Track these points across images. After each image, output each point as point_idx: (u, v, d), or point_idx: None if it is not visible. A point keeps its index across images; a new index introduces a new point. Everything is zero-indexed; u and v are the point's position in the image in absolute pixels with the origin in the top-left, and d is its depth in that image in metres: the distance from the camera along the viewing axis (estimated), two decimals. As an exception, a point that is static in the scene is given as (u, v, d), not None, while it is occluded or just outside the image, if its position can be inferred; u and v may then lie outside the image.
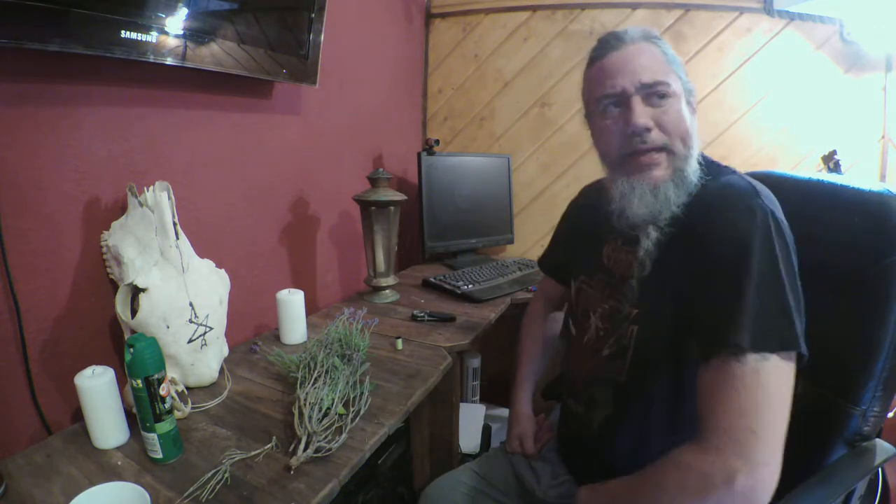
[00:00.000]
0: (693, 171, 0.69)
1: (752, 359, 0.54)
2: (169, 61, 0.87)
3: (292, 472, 0.66)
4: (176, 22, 0.86)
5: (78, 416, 0.76)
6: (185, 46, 0.90)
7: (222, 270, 0.99)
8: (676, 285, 0.66)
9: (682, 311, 0.65)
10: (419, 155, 1.69)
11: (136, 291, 0.82)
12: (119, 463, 0.69)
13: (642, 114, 0.68)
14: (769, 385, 0.54)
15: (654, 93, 0.68)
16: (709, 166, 0.72)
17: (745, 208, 0.61)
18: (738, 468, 0.52)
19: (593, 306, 0.82)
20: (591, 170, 0.96)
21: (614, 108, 0.71)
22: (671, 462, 0.59)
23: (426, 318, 1.25)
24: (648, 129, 0.68)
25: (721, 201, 0.64)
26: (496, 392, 2.08)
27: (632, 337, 0.73)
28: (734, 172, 0.70)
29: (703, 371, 0.59)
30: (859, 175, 1.60)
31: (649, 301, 0.72)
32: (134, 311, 0.81)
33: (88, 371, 0.72)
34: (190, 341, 0.87)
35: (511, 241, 2.00)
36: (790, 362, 0.56)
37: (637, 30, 0.72)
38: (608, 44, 0.72)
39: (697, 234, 0.64)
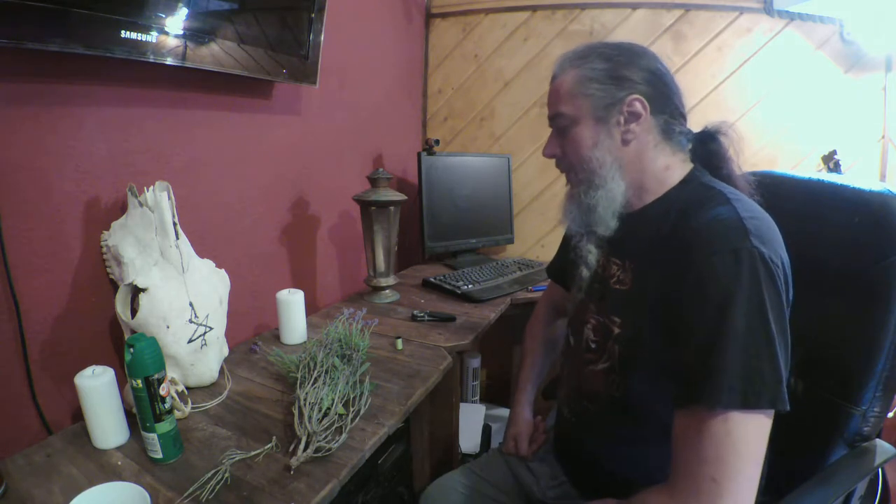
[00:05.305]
0: (602, 196, 0.72)
1: (722, 411, 0.53)
2: (169, 61, 0.87)
3: (292, 472, 0.66)
4: (176, 22, 0.86)
5: (78, 416, 0.76)
6: (185, 46, 0.90)
7: (222, 270, 0.99)
8: (658, 312, 0.65)
9: (665, 340, 0.63)
10: (419, 155, 1.69)
11: (136, 291, 0.82)
12: (119, 463, 0.69)
13: (549, 144, 0.78)
14: (735, 434, 0.52)
15: (555, 125, 0.76)
16: (700, 190, 0.68)
17: (729, 252, 0.56)
18: None
19: (587, 318, 0.80)
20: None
21: None
22: (637, 503, 0.60)
23: (426, 318, 1.25)
24: (554, 158, 0.78)
25: (703, 240, 0.59)
26: (496, 392, 2.08)
27: (618, 355, 0.72)
28: (729, 202, 0.62)
29: (677, 414, 0.58)
30: (859, 175, 1.60)
31: (630, 321, 0.71)
32: (134, 311, 0.81)
33: (88, 371, 0.72)
34: (190, 341, 0.87)
35: (511, 241, 2.00)
36: (765, 417, 0.54)
37: (570, 55, 0.75)
38: (553, 74, 0.77)
39: (679, 271, 0.60)
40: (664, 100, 0.71)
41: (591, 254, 0.77)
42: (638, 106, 0.69)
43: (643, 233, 0.70)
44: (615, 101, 0.70)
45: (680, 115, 0.73)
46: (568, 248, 0.89)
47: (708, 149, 0.74)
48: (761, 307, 0.54)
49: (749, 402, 0.52)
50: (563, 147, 0.76)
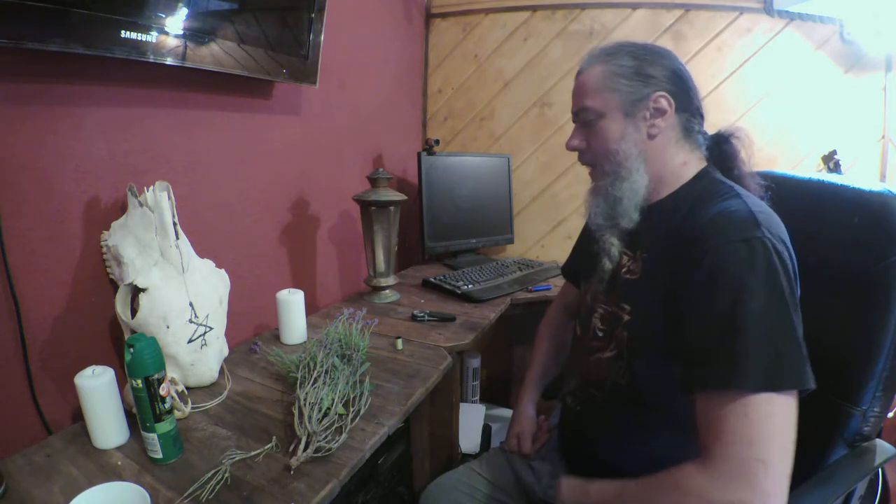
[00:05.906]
0: (627, 188, 0.74)
1: (765, 393, 0.53)
2: (169, 61, 0.87)
3: (292, 472, 0.66)
4: (176, 22, 0.86)
5: (78, 416, 0.76)
6: (185, 46, 0.90)
7: (222, 270, 0.99)
8: (666, 301, 0.66)
9: (673, 328, 0.63)
10: (419, 155, 1.69)
11: (136, 291, 0.82)
12: (119, 463, 0.69)
13: (574, 137, 0.80)
14: (776, 417, 0.53)
15: (580, 119, 0.78)
16: (712, 185, 0.70)
17: (741, 242, 0.57)
18: (746, 498, 0.52)
19: (595, 306, 0.82)
20: (592, 170, 0.96)
21: None
22: (670, 482, 0.58)
23: (426, 318, 1.25)
24: (578, 150, 0.80)
25: (714, 230, 0.60)
26: (496, 392, 2.08)
27: (625, 341, 0.73)
28: (739, 196, 0.65)
29: (702, 395, 0.58)
30: (859, 175, 1.60)
31: (639, 309, 0.72)
32: (134, 311, 0.81)
33: (88, 371, 0.72)
34: (190, 341, 0.87)
35: (511, 241, 2.00)
36: (794, 397, 0.55)
37: (597, 51, 0.77)
38: (579, 69, 0.79)
39: (689, 260, 0.61)
40: (686, 99, 0.74)
41: (614, 246, 0.78)
42: (664, 102, 0.72)
43: (655, 225, 0.72)
44: (642, 97, 0.72)
45: (699, 115, 0.75)
46: (587, 242, 0.89)
47: (722, 150, 0.76)
48: (781, 293, 0.55)
49: (778, 385, 0.53)
50: (588, 140, 0.78)
